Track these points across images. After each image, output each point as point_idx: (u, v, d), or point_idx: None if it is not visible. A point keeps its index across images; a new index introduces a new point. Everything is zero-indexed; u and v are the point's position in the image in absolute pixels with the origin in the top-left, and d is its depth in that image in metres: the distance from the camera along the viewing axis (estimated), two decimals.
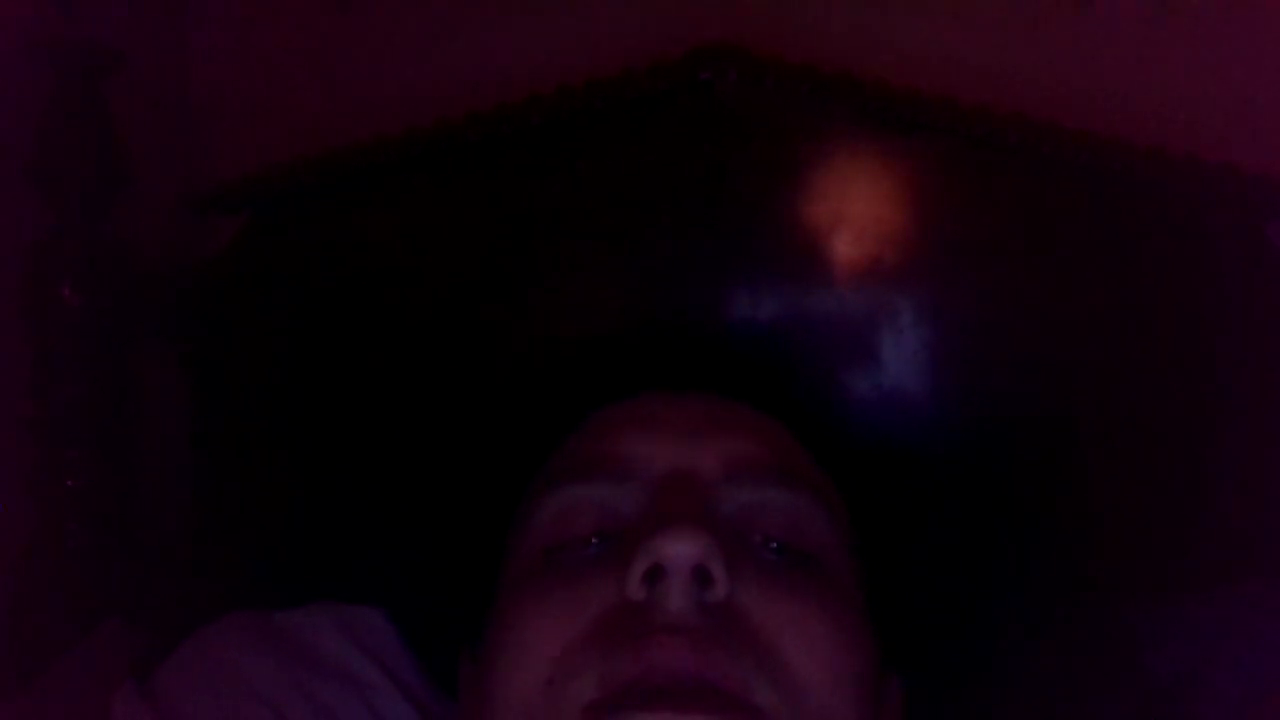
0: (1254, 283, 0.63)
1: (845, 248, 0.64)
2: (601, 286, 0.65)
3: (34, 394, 0.67)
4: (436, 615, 0.56)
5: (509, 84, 0.66)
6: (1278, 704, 0.53)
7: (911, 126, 0.63)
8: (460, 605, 0.50)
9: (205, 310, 0.70)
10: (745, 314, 0.64)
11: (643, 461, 0.45)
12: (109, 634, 0.61)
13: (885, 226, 0.64)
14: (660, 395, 0.50)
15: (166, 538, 0.71)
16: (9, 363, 0.67)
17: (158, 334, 0.71)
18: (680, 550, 0.39)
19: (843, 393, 0.65)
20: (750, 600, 0.41)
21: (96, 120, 0.67)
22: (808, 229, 0.64)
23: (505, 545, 0.49)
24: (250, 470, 0.68)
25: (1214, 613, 0.58)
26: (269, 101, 0.79)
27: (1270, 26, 0.71)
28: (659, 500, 0.43)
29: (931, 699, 0.53)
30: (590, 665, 0.39)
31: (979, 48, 0.71)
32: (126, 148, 0.68)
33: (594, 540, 0.44)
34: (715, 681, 0.38)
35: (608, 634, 0.40)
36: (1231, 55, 0.71)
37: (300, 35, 0.79)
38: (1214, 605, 0.59)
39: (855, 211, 0.64)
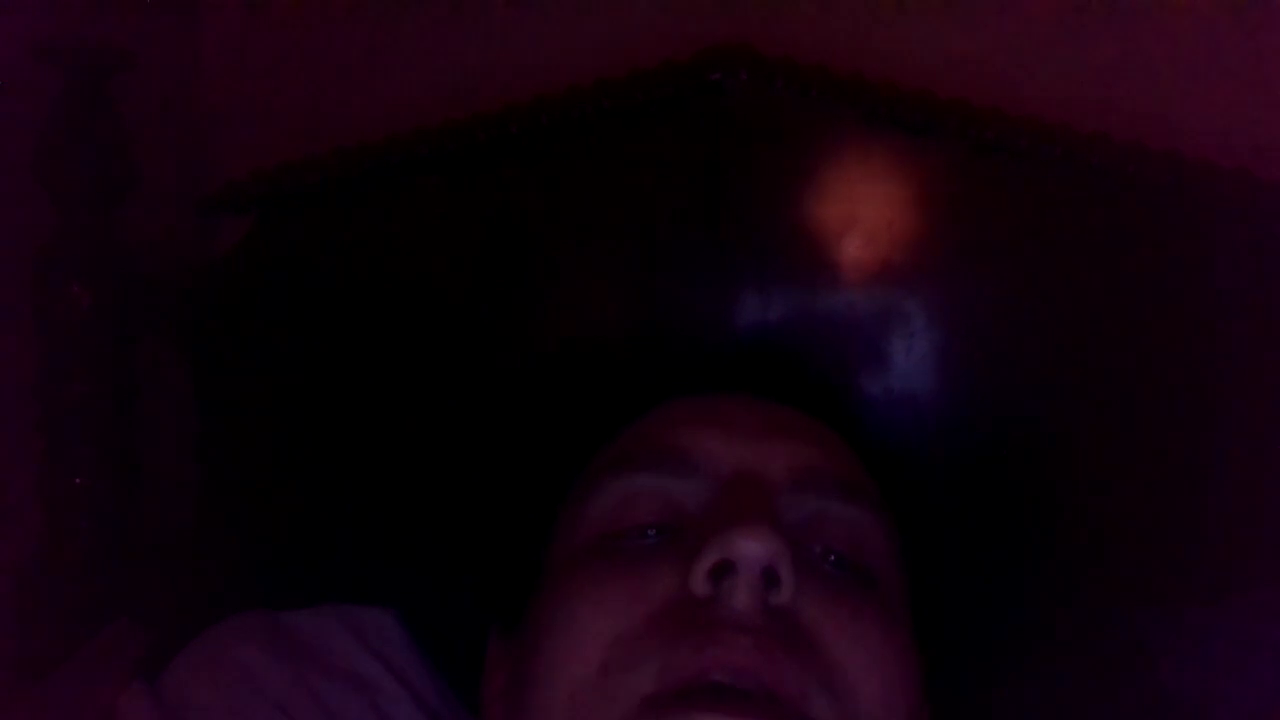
0: (1269, 289, 0.63)
1: (856, 250, 0.64)
2: (609, 288, 0.65)
3: (41, 393, 0.67)
4: (445, 616, 0.56)
5: (517, 84, 0.66)
6: None
7: (923, 129, 0.63)
8: (469, 606, 0.50)
9: (212, 310, 0.70)
10: (755, 316, 0.64)
11: (711, 458, 0.45)
12: (117, 634, 0.61)
13: (896, 229, 0.64)
14: (727, 396, 0.50)
15: (174, 537, 0.71)
16: (16, 362, 0.67)
17: (165, 333, 0.71)
18: (753, 548, 0.38)
19: (854, 396, 0.64)
20: (810, 610, 0.41)
21: (104, 120, 0.67)
22: (818, 231, 0.64)
23: (555, 524, 0.49)
24: (257, 469, 0.68)
25: (1227, 622, 0.58)
26: (276, 102, 0.78)
27: None
28: (728, 498, 0.43)
29: (941, 707, 0.53)
30: (649, 655, 0.39)
31: (991, 50, 0.71)
32: (134, 148, 0.68)
33: (653, 531, 0.44)
34: (774, 688, 0.37)
35: (669, 625, 0.39)
36: (1246, 62, 0.71)
37: (307, 36, 0.79)
38: (1226, 615, 0.58)
39: (866, 214, 0.64)
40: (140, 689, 0.52)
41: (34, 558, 0.67)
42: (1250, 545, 0.61)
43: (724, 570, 0.39)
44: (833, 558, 0.44)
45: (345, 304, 0.68)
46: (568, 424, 0.52)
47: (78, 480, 0.67)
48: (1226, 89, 0.71)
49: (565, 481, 0.51)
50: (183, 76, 0.80)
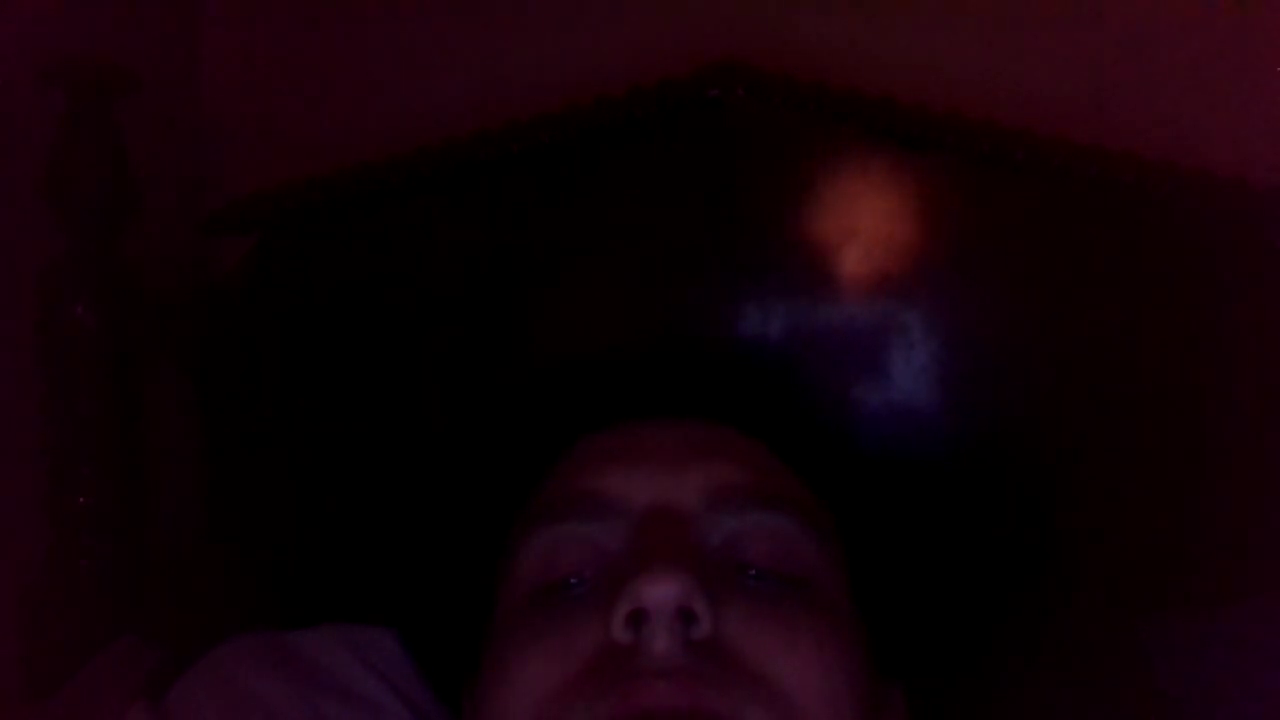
0: (1265, 297, 0.63)
1: (854, 263, 0.64)
2: (610, 305, 0.65)
3: (47, 412, 0.67)
4: (447, 637, 0.56)
5: (517, 102, 0.67)
6: None
7: (919, 142, 0.63)
8: (471, 627, 0.51)
9: (216, 329, 0.70)
10: (755, 331, 0.64)
11: (624, 497, 0.45)
12: (123, 652, 0.61)
13: (894, 242, 0.64)
14: (641, 424, 0.50)
15: (179, 555, 0.71)
16: (22, 381, 0.68)
17: (169, 352, 0.71)
18: (661, 592, 0.39)
19: (853, 407, 0.65)
20: (737, 631, 0.41)
21: (109, 142, 0.67)
22: (816, 245, 0.64)
23: (495, 582, 0.49)
24: (261, 489, 0.69)
25: (1227, 628, 0.58)
26: (278, 122, 0.79)
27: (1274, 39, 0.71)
28: (640, 538, 0.43)
29: (942, 712, 0.53)
30: (579, 710, 0.39)
31: (987, 63, 0.71)
32: (137, 169, 0.69)
33: (580, 579, 0.44)
34: (703, 712, 0.38)
35: (596, 677, 0.40)
36: (1241, 70, 0.71)
37: (309, 56, 0.79)
38: (1227, 620, 0.58)
39: (864, 227, 0.64)
40: (145, 707, 0.52)
41: (40, 576, 0.67)
42: (1248, 552, 0.61)
43: (640, 618, 0.39)
44: (753, 572, 0.44)
45: (348, 322, 0.68)
46: (530, 451, 0.52)
47: (83, 499, 0.67)
48: (1222, 98, 0.71)
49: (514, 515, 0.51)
50: (185, 97, 0.81)
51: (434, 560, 0.63)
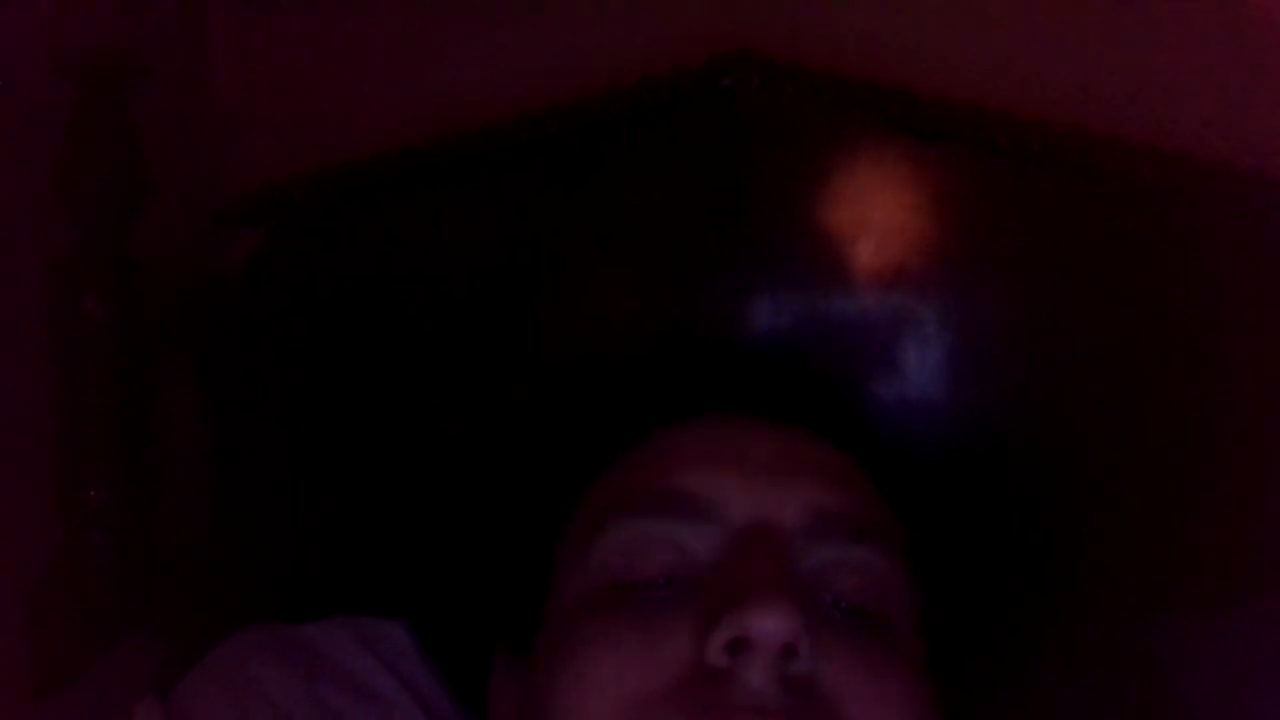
0: None
1: (869, 256, 0.63)
2: (620, 298, 0.65)
3: (57, 406, 0.68)
4: (458, 628, 0.56)
5: (529, 92, 0.66)
6: None
7: (935, 133, 0.63)
8: (482, 618, 0.50)
9: (225, 321, 0.70)
10: (767, 323, 0.64)
11: (721, 503, 0.44)
12: (132, 647, 0.61)
13: (909, 234, 0.63)
14: (731, 421, 0.49)
15: (189, 549, 0.71)
16: (33, 375, 0.68)
17: (178, 346, 0.71)
18: (770, 626, 0.38)
19: (866, 403, 0.64)
20: (828, 670, 0.40)
21: (120, 133, 0.68)
22: (830, 237, 0.64)
23: (556, 561, 0.48)
24: (271, 481, 0.69)
25: (1243, 630, 0.57)
26: (289, 114, 0.79)
27: None
28: (742, 555, 0.42)
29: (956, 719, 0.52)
30: None
31: (1004, 54, 0.70)
32: (149, 161, 0.69)
33: (666, 583, 0.43)
34: None
35: (684, 697, 0.39)
36: (1262, 57, 0.70)
37: (319, 48, 0.79)
38: (1243, 622, 0.58)
39: (879, 219, 0.63)
40: (154, 703, 0.52)
41: (50, 570, 0.67)
42: (1268, 552, 0.60)
43: (740, 646, 0.38)
44: (844, 604, 0.43)
45: (358, 315, 0.68)
46: (574, 438, 0.51)
47: (93, 493, 0.67)
48: (1241, 90, 0.70)
49: (569, 499, 0.50)
50: (196, 90, 0.81)
51: (444, 553, 0.63)
